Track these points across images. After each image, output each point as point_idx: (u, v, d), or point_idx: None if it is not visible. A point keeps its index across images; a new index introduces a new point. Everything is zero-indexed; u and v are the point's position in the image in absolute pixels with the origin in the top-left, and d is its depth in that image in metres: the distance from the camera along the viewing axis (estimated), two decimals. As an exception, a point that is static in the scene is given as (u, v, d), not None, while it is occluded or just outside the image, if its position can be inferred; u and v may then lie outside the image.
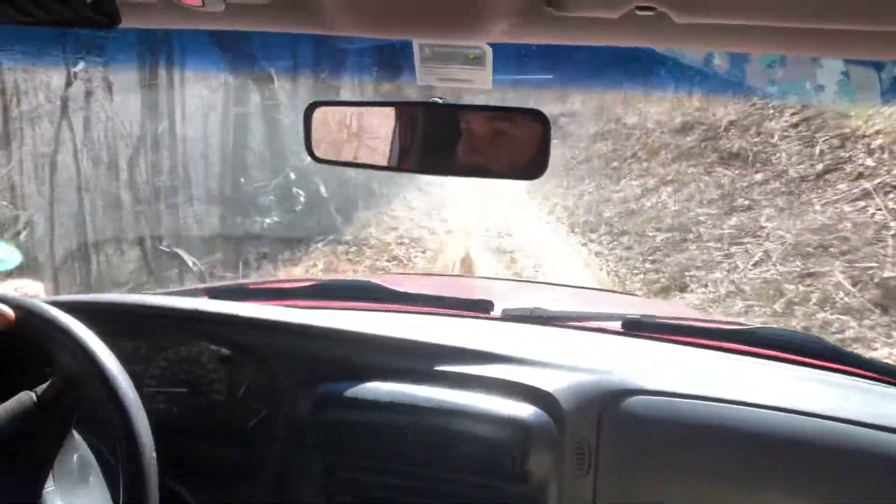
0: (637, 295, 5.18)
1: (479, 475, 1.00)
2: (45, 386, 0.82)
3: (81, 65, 5.30)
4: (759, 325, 1.39)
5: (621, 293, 4.50)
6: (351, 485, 1.05)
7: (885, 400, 1.13)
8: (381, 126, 0.97)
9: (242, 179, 6.83)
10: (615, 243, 7.18)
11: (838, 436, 0.99)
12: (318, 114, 0.98)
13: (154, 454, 0.78)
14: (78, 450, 0.87)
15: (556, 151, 14.50)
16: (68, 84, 5.23)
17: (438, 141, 0.95)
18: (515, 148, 0.93)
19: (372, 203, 9.67)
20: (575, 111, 16.49)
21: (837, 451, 0.98)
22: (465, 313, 1.38)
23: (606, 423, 1.03)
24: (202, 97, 6.50)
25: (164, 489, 0.78)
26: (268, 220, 6.91)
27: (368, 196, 9.77)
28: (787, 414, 1.01)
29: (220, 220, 6.56)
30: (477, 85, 0.90)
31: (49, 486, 0.81)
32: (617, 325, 1.31)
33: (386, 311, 1.39)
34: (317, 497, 1.05)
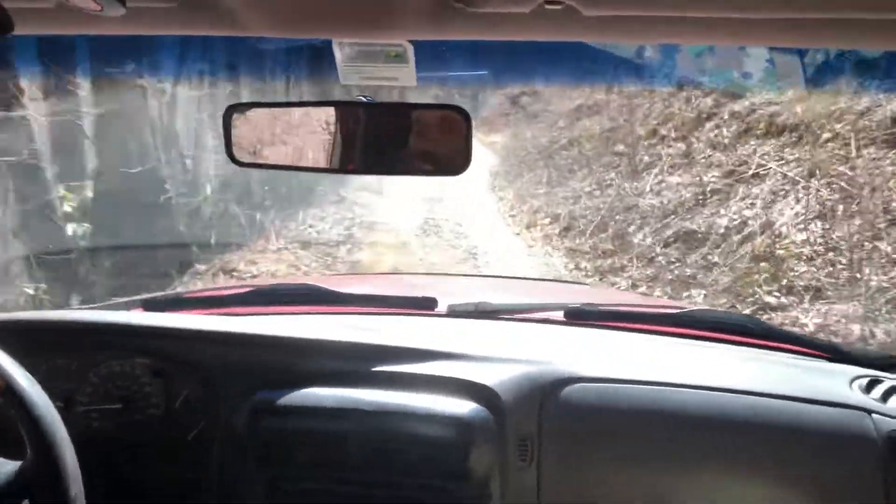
0: (584, 283, 4.75)
1: (422, 475, 1.01)
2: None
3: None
4: (697, 308, 1.39)
5: (567, 282, 4.24)
6: (295, 495, 1.05)
7: (819, 374, 1.16)
8: (303, 126, 0.98)
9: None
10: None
11: (777, 412, 1.02)
12: (238, 117, 0.98)
13: (80, 483, 0.73)
14: None
15: (525, 135, 11.05)
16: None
17: (363, 139, 0.96)
18: (439, 144, 0.94)
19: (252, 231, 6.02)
20: (538, 89, 13.38)
21: (778, 428, 1.02)
22: (409, 311, 1.39)
23: (547, 412, 1.05)
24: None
25: None
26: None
27: (250, 224, 6.14)
28: (725, 394, 1.04)
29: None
30: (402, 82, 0.91)
31: None
32: (560, 315, 1.33)
33: (327, 313, 1.39)
34: None
